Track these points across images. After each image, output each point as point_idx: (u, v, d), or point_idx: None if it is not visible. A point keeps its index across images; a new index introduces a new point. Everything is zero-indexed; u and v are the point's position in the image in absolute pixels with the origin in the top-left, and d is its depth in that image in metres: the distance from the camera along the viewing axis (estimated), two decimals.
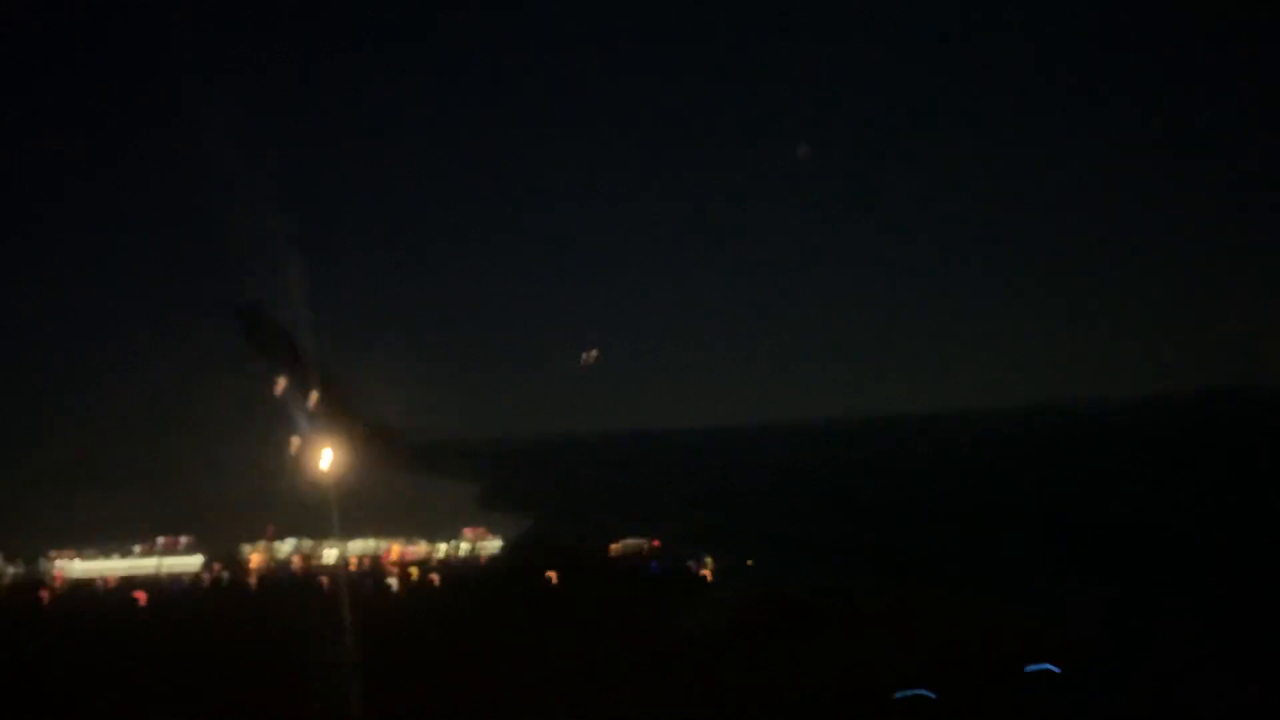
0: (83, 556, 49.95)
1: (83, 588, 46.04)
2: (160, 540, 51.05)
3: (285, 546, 50.25)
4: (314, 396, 11.05)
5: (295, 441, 10.91)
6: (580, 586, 22.76)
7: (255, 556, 50.02)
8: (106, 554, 50.82)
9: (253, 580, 46.36)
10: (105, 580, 48.34)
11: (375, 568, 46.52)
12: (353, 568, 45.71)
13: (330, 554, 47.49)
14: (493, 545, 44.28)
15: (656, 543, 30.51)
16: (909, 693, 11.35)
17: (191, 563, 50.52)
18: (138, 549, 51.57)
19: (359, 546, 48.71)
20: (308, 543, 49.14)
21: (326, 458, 10.63)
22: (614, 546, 29.35)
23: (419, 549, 50.44)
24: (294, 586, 40.15)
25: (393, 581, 39.50)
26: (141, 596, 39.75)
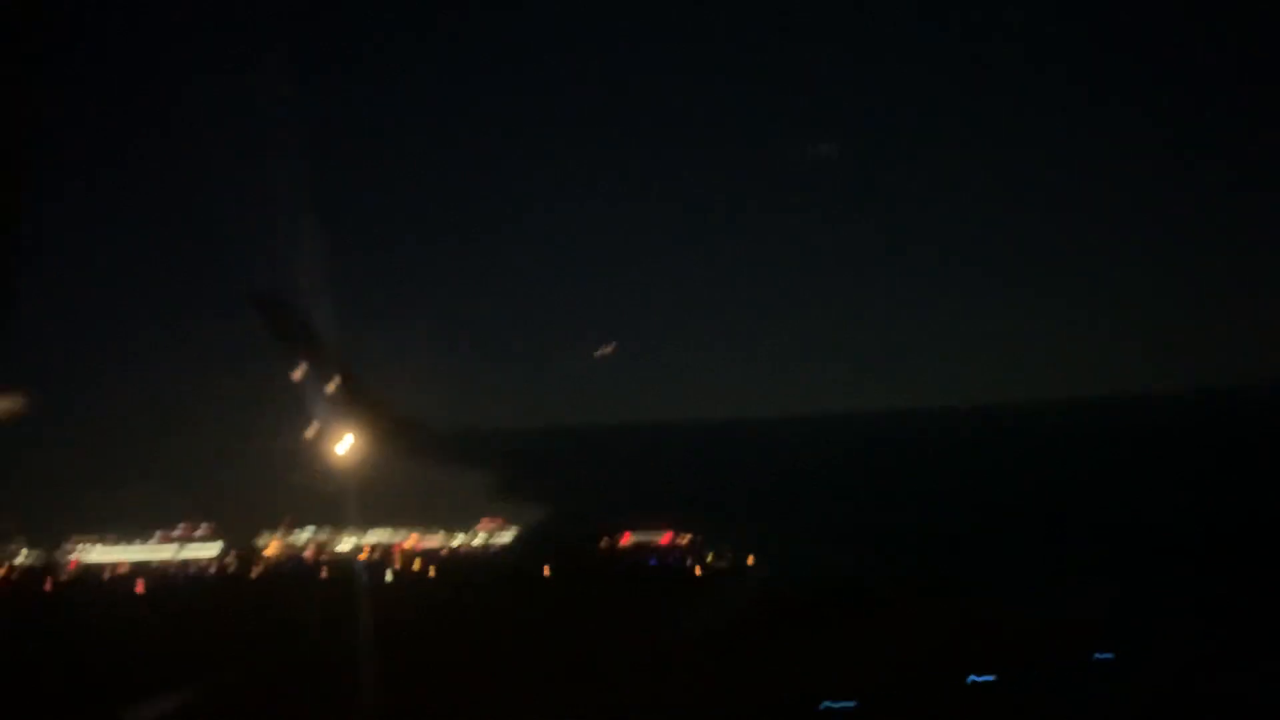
0: (104, 543, 50.56)
1: (92, 574, 46.43)
2: (180, 527, 51.62)
3: (303, 535, 50.66)
4: (333, 384, 11.29)
5: (315, 429, 11.14)
6: (581, 584, 22.73)
7: (272, 545, 50.43)
8: (129, 540, 51.43)
9: (256, 569, 46.58)
10: (114, 568, 48.74)
11: (385, 557, 46.63)
12: (364, 557, 45.83)
13: (345, 543, 47.79)
14: (506, 537, 44.41)
15: (666, 537, 30.68)
16: (836, 705, 11.14)
17: (210, 550, 51.10)
18: (158, 535, 52.17)
19: (376, 536, 49.00)
20: (325, 531, 49.50)
21: (346, 445, 10.86)
22: (625, 538, 29.44)
23: (435, 539, 50.65)
24: (295, 576, 40.12)
25: (389, 573, 39.47)
26: (140, 585, 39.79)
